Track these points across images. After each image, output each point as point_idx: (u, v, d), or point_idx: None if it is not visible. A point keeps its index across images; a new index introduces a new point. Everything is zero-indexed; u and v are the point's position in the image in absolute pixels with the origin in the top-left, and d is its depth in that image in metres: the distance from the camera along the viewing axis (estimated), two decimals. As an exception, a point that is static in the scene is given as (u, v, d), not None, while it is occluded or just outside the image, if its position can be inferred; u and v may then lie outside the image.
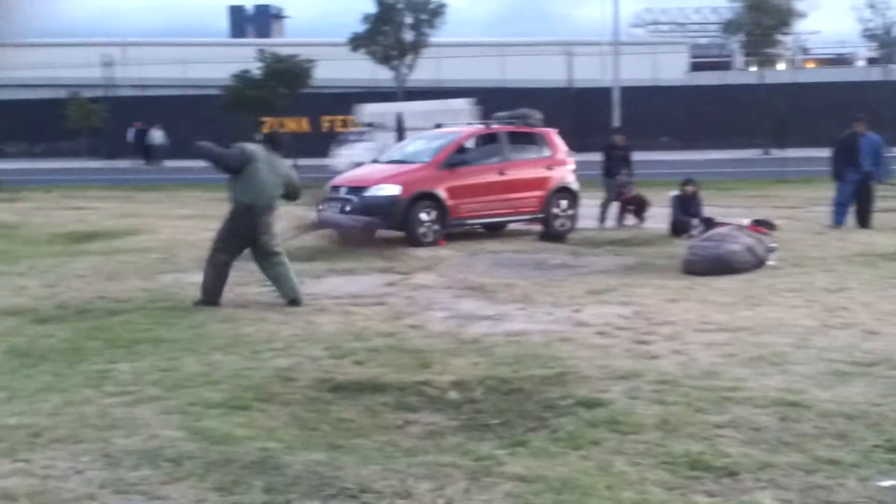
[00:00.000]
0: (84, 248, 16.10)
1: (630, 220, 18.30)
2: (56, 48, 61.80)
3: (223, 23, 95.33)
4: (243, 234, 10.72)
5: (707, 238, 13.01)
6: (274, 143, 11.09)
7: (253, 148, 10.71)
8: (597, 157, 19.93)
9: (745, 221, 14.99)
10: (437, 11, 46.04)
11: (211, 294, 10.67)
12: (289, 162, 10.82)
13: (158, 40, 67.61)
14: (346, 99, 50.36)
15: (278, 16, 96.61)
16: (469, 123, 18.10)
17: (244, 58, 37.24)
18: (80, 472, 5.46)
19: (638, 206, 18.32)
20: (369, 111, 35.42)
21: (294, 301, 10.64)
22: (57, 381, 7.47)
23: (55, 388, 7.24)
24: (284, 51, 32.38)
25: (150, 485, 5.26)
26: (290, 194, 10.94)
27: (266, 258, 10.83)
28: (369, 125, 33.35)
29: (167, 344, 8.74)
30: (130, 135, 47.12)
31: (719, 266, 12.18)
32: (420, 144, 17.59)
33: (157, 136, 46.25)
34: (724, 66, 61.44)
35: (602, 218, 18.42)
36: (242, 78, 31.30)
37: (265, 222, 10.69)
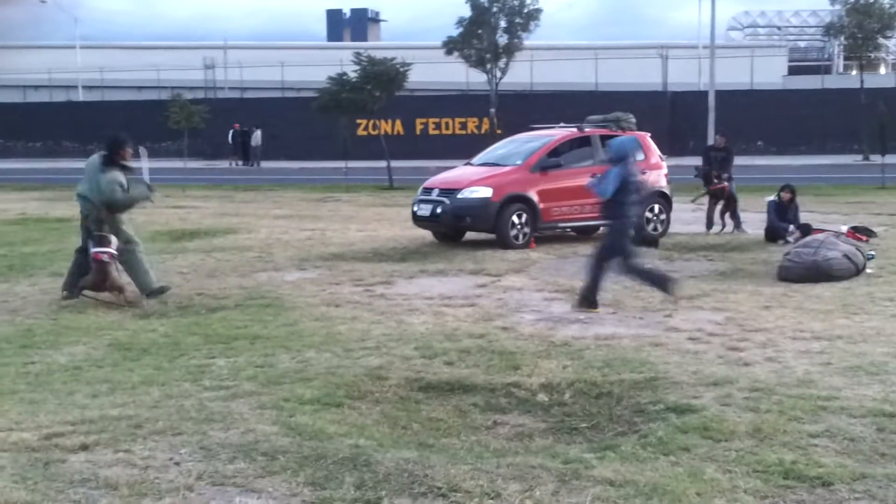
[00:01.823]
0: (185, 245, 16.53)
1: (723, 222, 17.83)
2: (160, 51, 63.55)
3: (321, 26, 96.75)
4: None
5: (804, 244, 12.76)
6: (107, 157, 11.52)
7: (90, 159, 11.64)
8: (690, 161, 19.64)
9: (843, 228, 14.72)
10: (532, 15, 45.91)
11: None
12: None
13: (258, 43, 69.01)
14: (439, 102, 50.71)
15: (375, 19, 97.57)
16: (562, 127, 18.02)
17: (340, 61, 37.70)
18: (178, 463, 5.63)
19: (726, 203, 17.88)
20: None
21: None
22: (157, 375, 7.70)
23: (156, 382, 7.47)
24: (380, 54, 32.56)
25: (246, 478, 5.39)
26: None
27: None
28: None
29: (263, 340, 8.94)
30: (230, 136, 48.14)
31: (816, 273, 11.95)
32: (512, 147, 17.59)
33: (255, 136, 47.17)
34: (824, 69, 60.00)
35: (709, 223, 18.02)
36: (338, 80, 31.60)
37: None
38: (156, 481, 5.33)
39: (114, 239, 11.19)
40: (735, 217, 17.91)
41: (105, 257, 11.06)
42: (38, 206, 25.03)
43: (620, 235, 10.58)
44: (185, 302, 11.10)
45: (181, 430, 6.21)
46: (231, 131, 47.97)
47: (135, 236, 11.64)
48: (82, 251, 11.49)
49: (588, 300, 10.42)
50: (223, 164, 48.35)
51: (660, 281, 10.69)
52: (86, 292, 11.26)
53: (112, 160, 11.44)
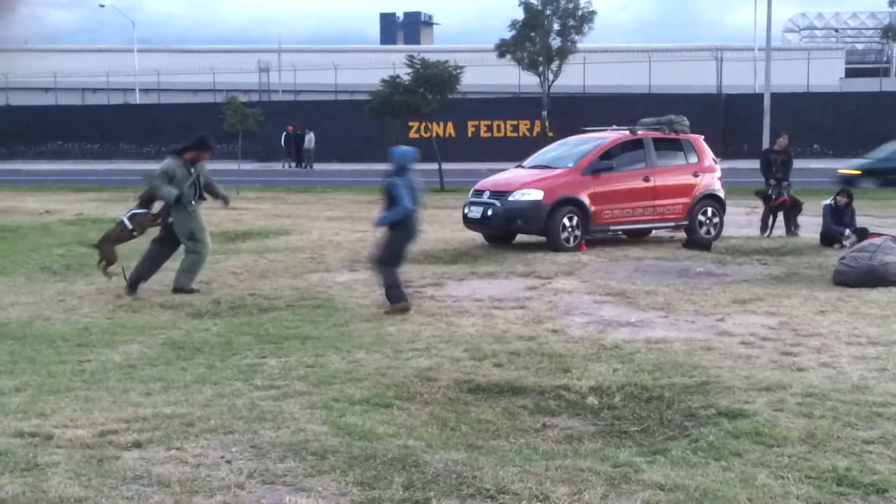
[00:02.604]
0: (238, 246, 16.69)
1: (793, 227, 17.56)
2: (215, 54, 64.26)
3: (374, 29, 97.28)
4: None
5: (860, 249, 12.56)
6: (182, 148, 11.99)
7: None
8: (744, 164, 19.39)
9: (902, 233, 14.46)
10: (586, 17, 45.78)
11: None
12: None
13: (311, 47, 69.51)
14: (491, 104, 50.70)
15: (427, 22, 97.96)
16: (614, 129, 17.93)
17: (393, 64, 37.89)
18: (229, 461, 5.68)
19: (791, 208, 17.62)
20: None
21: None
22: (210, 374, 7.79)
23: (208, 380, 7.56)
24: (432, 57, 32.64)
25: (296, 476, 5.43)
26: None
27: None
28: None
29: (313, 341, 9.00)
30: (283, 138, 48.53)
31: (872, 278, 11.77)
32: (564, 150, 17.53)
33: (308, 139, 47.51)
34: (882, 72, 59.06)
35: (763, 228, 17.78)
36: (391, 83, 31.72)
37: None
38: (207, 479, 5.39)
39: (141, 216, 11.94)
40: (792, 221, 17.64)
41: (126, 223, 11.93)
42: (95, 206, 25.41)
43: (401, 245, 10.70)
44: (237, 302, 11.22)
45: (233, 428, 6.27)
46: (284, 134, 48.36)
47: (206, 238, 12.04)
48: (157, 241, 12.13)
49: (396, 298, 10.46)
50: (276, 165, 48.75)
51: (396, 292, 10.53)
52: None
53: (182, 152, 11.81)
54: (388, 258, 10.62)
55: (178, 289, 11.75)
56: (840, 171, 29.17)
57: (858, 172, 28.67)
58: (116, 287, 11.94)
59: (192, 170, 11.73)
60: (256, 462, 5.66)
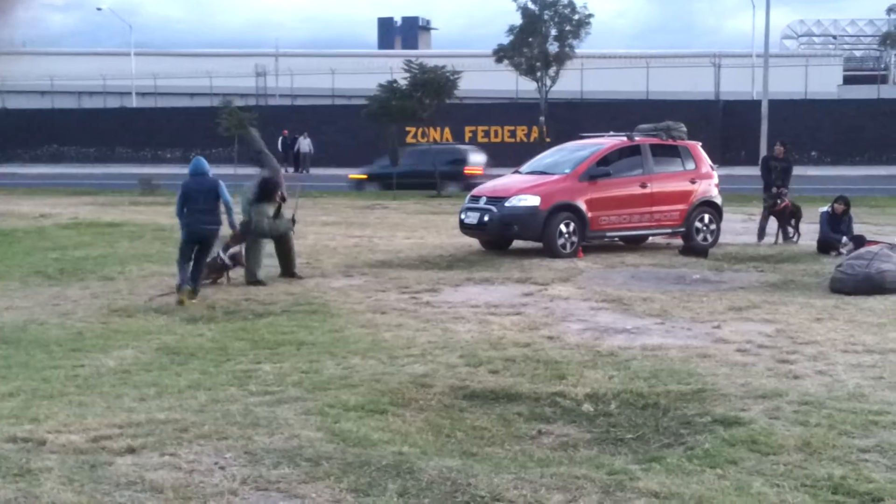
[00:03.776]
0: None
1: (792, 233, 17.57)
2: (213, 58, 64.26)
3: (372, 34, 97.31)
4: None
5: (857, 256, 12.57)
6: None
7: None
8: (742, 171, 19.40)
9: (898, 240, 14.46)
10: (583, 22, 45.81)
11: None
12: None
13: (309, 51, 69.43)
14: (488, 110, 50.72)
15: (425, 27, 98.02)
16: (611, 136, 17.92)
17: (391, 68, 37.88)
18: (223, 467, 5.66)
19: (790, 216, 17.63)
20: None
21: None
22: (204, 379, 7.77)
23: (202, 386, 7.53)
24: (430, 62, 32.66)
25: (290, 483, 5.41)
26: None
27: None
28: None
29: (308, 347, 8.98)
30: (279, 142, 48.49)
31: (869, 285, 11.77)
32: (561, 156, 17.51)
33: (304, 143, 47.47)
34: (880, 79, 59.17)
35: (761, 235, 17.79)
36: (388, 88, 31.73)
37: None
38: (201, 485, 5.37)
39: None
40: (788, 228, 17.64)
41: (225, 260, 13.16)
42: (91, 210, 25.36)
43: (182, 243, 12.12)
44: (232, 307, 11.20)
45: (227, 434, 6.25)
46: (280, 138, 48.33)
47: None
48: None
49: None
50: (273, 170, 48.70)
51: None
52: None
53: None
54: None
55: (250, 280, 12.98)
56: (350, 176, 34.46)
57: (365, 177, 33.55)
58: (110, 292, 11.87)
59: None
60: (250, 468, 5.64)
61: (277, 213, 13.39)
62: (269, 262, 13.39)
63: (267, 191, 13.30)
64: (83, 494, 5.21)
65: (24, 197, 30.81)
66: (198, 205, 11.90)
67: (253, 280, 12.92)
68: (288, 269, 13.52)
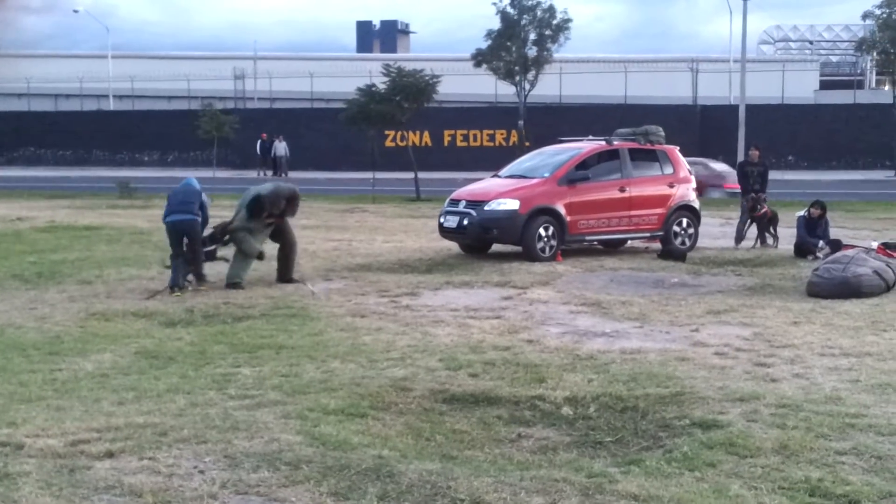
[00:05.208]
0: (211, 255, 16.55)
1: (770, 239, 17.68)
2: (190, 61, 63.99)
3: (351, 37, 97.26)
4: None
5: (833, 260, 12.66)
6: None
7: None
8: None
9: (874, 244, 14.59)
10: (561, 27, 45.90)
11: None
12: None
13: (287, 54, 69.32)
14: (467, 114, 50.78)
15: (404, 31, 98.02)
16: (590, 140, 17.97)
17: (370, 72, 37.84)
18: (202, 471, 5.65)
19: (769, 222, 17.73)
20: None
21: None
22: (183, 383, 7.74)
23: (181, 390, 7.51)
24: (409, 66, 32.62)
25: (269, 487, 5.40)
26: None
27: None
28: None
29: (288, 350, 8.96)
30: (258, 146, 48.39)
31: (845, 289, 11.86)
32: (540, 160, 17.55)
33: (280, 147, 47.37)
34: (856, 84, 59.63)
35: (738, 238, 17.88)
36: (367, 92, 31.68)
37: None
38: (180, 489, 5.36)
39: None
40: (766, 233, 17.73)
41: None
42: (68, 213, 25.20)
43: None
44: (211, 311, 11.17)
45: (206, 438, 6.23)
46: (259, 141, 48.21)
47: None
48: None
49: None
50: (252, 173, 48.57)
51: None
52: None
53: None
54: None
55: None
56: None
57: None
58: (88, 295, 11.83)
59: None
60: (230, 472, 5.62)
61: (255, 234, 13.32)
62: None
63: (259, 207, 13.26)
64: (62, 499, 5.18)
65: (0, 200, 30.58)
66: (176, 198, 12.82)
67: (232, 284, 12.84)
68: (285, 274, 13.46)
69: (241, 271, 13.05)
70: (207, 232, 13.26)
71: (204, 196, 12.99)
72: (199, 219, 12.85)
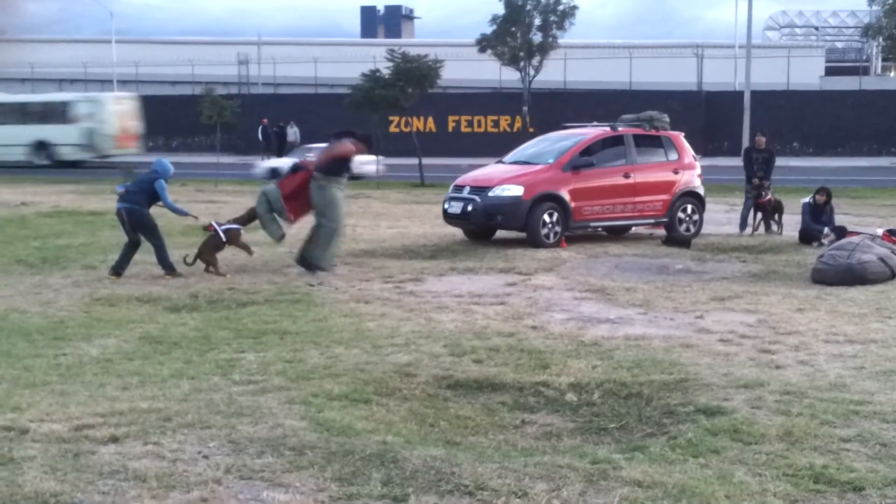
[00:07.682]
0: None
1: (774, 226, 17.61)
2: (194, 46, 63.89)
3: (355, 22, 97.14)
4: None
5: (838, 247, 12.63)
6: None
7: None
8: (725, 161, 19.42)
9: (879, 231, 14.53)
10: (567, 13, 45.78)
11: None
12: None
13: (291, 39, 69.13)
14: (471, 99, 50.67)
15: (408, 16, 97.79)
16: (594, 126, 17.92)
17: (374, 57, 37.75)
18: (206, 456, 5.65)
19: (773, 210, 17.68)
20: None
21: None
22: (187, 368, 7.75)
23: (186, 375, 7.52)
24: (413, 51, 32.52)
25: (273, 472, 5.41)
26: None
27: None
28: None
29: (292, 336, 8.96)
30: (260, 131, 48.32)
31: (850, 276, 11.83)
32: (544, 146, 17.52)
33: (291, 132, 47.29)
34: (862, 70, 59.41)
35: (743, 224, 17.83)
36: (371, 77, 31.60)
37: None
38: (184, 474, 5.36)
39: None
40: (770, 222, 17.67)
41: (220, 234, 13.05)
42: (72, 199, 25.24)
43: None
44: (215, 296, 11.17)
45: (210, 423, 6.24)
46: (261, 127, 48.14)
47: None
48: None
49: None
50: (255, 159, 48.54)
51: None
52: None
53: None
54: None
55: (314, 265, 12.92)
56: None
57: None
58: (92, 280, 11.85)
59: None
60: (234, 457, 5.63)
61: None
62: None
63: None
64: (66, 483, 5.19)
65: (4, 185, 30.59)
66: (134, 185, 13.14)
67: (317, 266, 12.83)
68: (303, 257, 13.24)
69: (322, 258, 12.93)
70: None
71: (162, 182, 12.63)
72: (144, 208, 12.67)
